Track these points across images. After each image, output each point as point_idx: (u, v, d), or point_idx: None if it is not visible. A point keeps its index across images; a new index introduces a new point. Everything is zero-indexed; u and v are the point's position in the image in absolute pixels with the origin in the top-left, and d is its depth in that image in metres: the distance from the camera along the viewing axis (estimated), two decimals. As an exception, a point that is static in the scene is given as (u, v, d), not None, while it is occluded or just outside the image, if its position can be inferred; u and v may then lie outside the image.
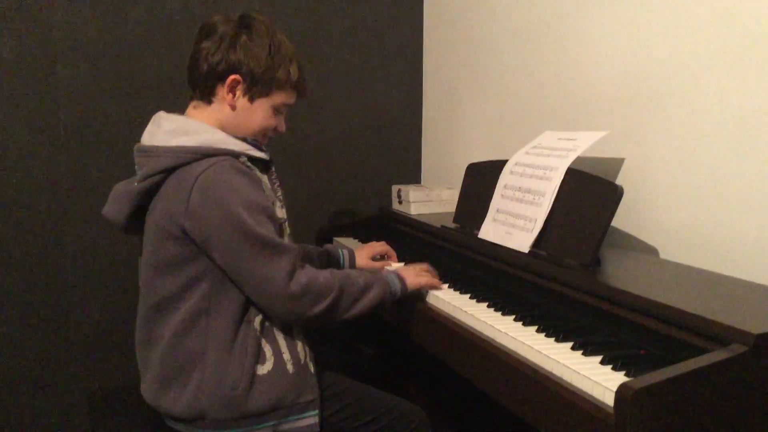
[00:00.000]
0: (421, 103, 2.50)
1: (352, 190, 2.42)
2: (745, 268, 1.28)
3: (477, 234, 1.60)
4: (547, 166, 1.46)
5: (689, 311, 1.00)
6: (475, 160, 1.80)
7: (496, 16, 2.03)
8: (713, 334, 0.95)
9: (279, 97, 1.36)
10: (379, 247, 1.75)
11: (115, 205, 1.33)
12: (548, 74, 1.81)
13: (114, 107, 2.06)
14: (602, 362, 1.01)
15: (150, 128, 1.34)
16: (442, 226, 1.78)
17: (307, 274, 1.26)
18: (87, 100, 2.03)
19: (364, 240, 2.03)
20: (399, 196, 2.16)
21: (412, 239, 1.95)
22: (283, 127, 1.43)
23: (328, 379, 1.38)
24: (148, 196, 1.28)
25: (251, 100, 1.33)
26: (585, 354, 1.05)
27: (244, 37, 1.30)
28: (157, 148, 1.27)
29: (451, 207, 1.94)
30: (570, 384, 0.98)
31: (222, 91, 1.31)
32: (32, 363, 2.04)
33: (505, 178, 1.59)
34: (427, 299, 1.44)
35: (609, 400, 0.89)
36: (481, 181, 1.70)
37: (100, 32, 2.02)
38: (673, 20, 1.42)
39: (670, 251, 1.45)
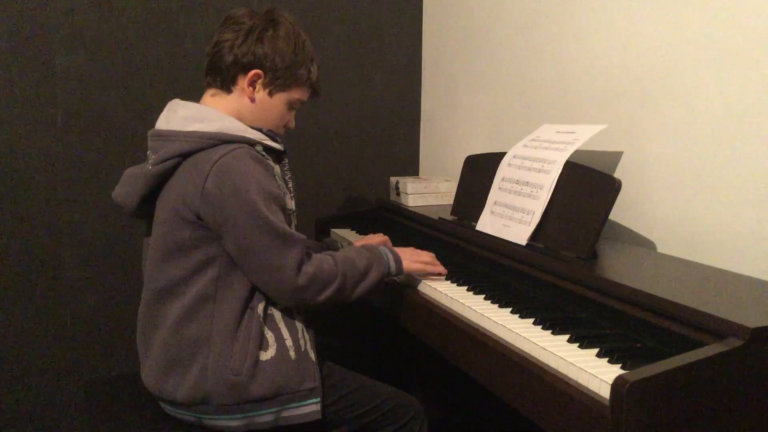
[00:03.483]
0: (420, 95, 2.50)
1: (350, 182, 2.41)
2: (742, 262, 1.28)
3: (475, 226, 1.61)
4: (546, 159, 1.46)
5: (686, 305, 1.00)
6: (474, 153, 1.80)
7: (495, 8, 2.03)
8: (709, 327, 0.96)
9: (296, 93, 1.40)
10: (377, 238, 1.75)
11: (127, 188, 1.34)
12: (547, 67, 1.81)
13: (111, 96, 2.05)
14: (598, 355, 1.02)
15: (165, 114, 1.35)
16: (440, 218, 1.79)
17: (314, 264, 1.28)
18: (84, 89, 2.02)
19: (362, 232, 2.03)
20: (397, 188, 2.16)
21: (410, 231, 1.95)
22: (293, 124, 1.47)
23: (326, 369, 1.39)
24: (161, 180, 1.29)
25: (270, 94, 1.37)
26: (581, 347, 1.05)
27: (270, 32, 1.34)
28: (175, 132, 1.28)
29: (448, 199, 1.94)
30: (566, 376, 0.98)
31: (243, 83, 1.34)
32: (29, 353, 2.04)
33: (503, 170, 1.59)
34: (424, 291, 1.45)
35: (605, 392, 0.89)
36: (479, 173, 1.70)
37: (97, 21, 2.01)
38: (671, 15, 1.42)
39: (667, 245, 1.46)
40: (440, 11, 2.35)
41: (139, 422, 1.37)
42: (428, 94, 2.47)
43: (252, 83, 1.35)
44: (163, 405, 1.36)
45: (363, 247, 1.42)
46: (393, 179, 2.20)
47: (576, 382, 0.96)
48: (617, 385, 0.84)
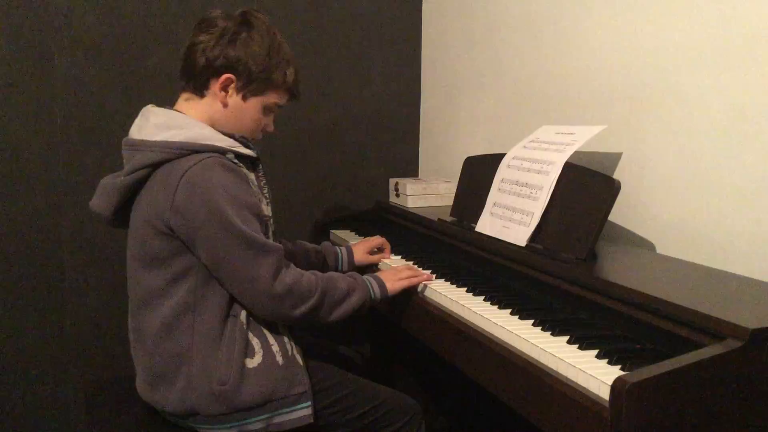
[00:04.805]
0: (419, 97, 2.50)
1: (350, 183, 2.41)
2: (741, 263, 1.28)
3: (474, 227, 1.61)
4: (545, 160, 1.46)
5: (685, 306, 1.00)
6: (473, 154, 1.80)
7: (495, 9, 2.03)
8: (709, 328, 0.96)
9: (272, 98, 1.36)
10: (375, 240, 1.75)
11: (102, 197, 1.32)
12: (546, 68, 1.81)
13: (111, 99, 2.05)
14: (598, 356, 1.02)
15: (138, 122, 1.33)
16: (439, 220, 1.79)
17: (292, 275, 1.26)
18: (84, 91, 2.02)
19: (361, 233, 2.03)
20: (396, 190, 2.16)
21: (409, 232, 1.95)
22: (271, 127, 1.43)
23: (320, 373, 1.38)
24: (134, 190, 1.28)
25: (244, 98, 1.33)
26: (581, 348, 1.05)
27: (244, 35, 1.30)
28: (144, 142, 1.26)
29: (448, 200, 1.94)
30: (565, 377, 0.98)
31: (215, 87, 1.31)
32: (28, 355, 2.04)
33: (502, 171, 1.59)
34: (423, 292, 1.45)
35: (604, 393, 0.89)
36: (479, 174, 1.70)
37: (97, 23, 2.01)
38: (670, 15, 1.42)
39: (666, 246, 1.46)
40: (439, 12, 2.35)
41: (138, 424, 1.37)
42: (427, 95, 2.47)
43: (224, 88, 1.31)
44: (159, 411, 1.35)
45: (348, 274, 1.40)
46: (392, 180, 2.20)
47: (575, 383, 0.96)
48: (617, 386, 0.84)
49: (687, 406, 0.87)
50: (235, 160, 1.29)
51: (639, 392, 0.83)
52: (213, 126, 1.32)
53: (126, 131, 2.04)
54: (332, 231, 2.12)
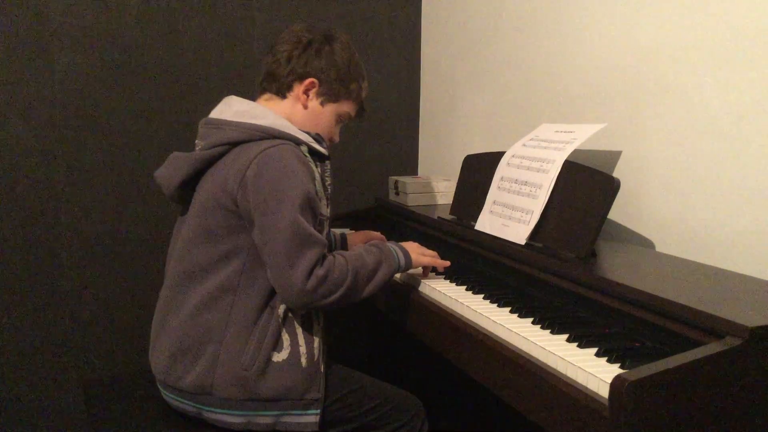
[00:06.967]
0: (419, 95, 2.50)
1: (349, 181, 2.41)
2: (741, 261, 1.28)
3: (474, 226, 1.61)
4: (545, 158, 1.46)
5: (684, 304, 1.00)
6: (473, 152, 1.80)
7: (494, 7, 2.03)
8: (708, 326, 0.96)
9: (345, 107, 1.48)
10: (375, 234, 1.76)
11: (170, 169, 1.38)
12: (546, 67, 1.81)
13: (110, 96, 2.05)
14: (597, 354, 1.02)
15: (220, 107, 1.42)
16: (439, 218, 1.79)
17: (325, 266, 1.28)
18: (82, 88, 2.02)
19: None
20: (396, 188, 2.16)
21: (409, 231, 1.95)
22: (337, 138, 1.53)
23: (327, 368, 1.39)
24: (206, 164, 1.34)
25: (323, 104, 1.44)
26: (580, 346, 1.05)
27: (327, 47, 1.44)
28: (228, 121, 1.34)
29: (448, 198, 1.94)
30: (565, 376, 0.98)
31: (298, 90, 1.42)
32: (28, 352, 2.04)
33: (502, 170, 1.59)
34: (423, 291, 1.45)
35: (604, 391, 0.89)
36: (478, 172, 1.70)
37: (96, 19, 2.01)
38: (670, 13, 1.42)
39: (666, 244, 1.46)
40: (439, 9, 2.35)
41: (137, 422, 1.37)
42: (427, 93, 2.47)
43: (306, 91, 1.42)
44: (164, 393, 1.36)
45: (372, 244, 1.42)
46: (392, 178, 2.20)
47: (575, 381, 0.96)
48: (616, 384, 0.84)
49: (686, 404, 0.87)
50: (307, 154, 1.35)
51: (638, 390, 0.83)
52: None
53: (124, 128, 2.06)
54: (332, 230, 2.12)
